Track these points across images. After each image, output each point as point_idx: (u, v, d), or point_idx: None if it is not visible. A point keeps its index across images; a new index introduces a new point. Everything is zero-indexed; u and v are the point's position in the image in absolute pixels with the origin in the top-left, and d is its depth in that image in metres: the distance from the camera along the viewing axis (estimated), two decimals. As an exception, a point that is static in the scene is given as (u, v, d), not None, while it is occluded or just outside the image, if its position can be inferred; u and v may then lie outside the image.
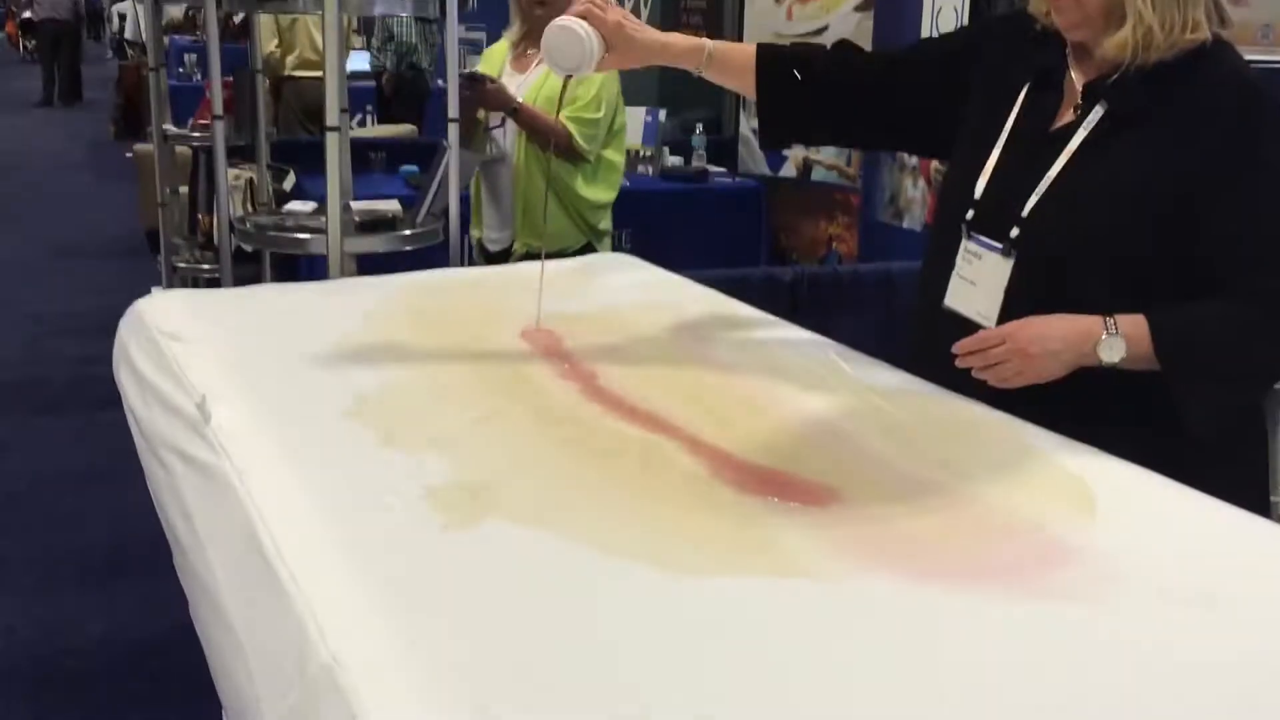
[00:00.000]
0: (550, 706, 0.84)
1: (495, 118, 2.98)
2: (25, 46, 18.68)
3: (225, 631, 1.04)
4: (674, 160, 4.90)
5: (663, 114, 4.88)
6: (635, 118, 4.96)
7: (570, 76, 1.63)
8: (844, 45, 1.80)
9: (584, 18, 1.56)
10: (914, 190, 4.24)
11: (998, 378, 1.43)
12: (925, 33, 4.03)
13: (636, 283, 2.10)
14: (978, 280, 1.55)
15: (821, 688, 0.87)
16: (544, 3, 3.01)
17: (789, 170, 4.92)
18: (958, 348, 1.45)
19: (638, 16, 6.44)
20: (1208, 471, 1.37)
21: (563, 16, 1.57)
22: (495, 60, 3.17)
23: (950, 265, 1.60)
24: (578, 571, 1.03)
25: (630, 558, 1.05)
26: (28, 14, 14.70)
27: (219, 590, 1.09)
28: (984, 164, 1.58)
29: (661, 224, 4.62)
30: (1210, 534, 1.15)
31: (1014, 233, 1.51)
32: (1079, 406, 1.43)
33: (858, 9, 4.55)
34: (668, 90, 5.80)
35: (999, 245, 1.52)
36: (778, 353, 1.68)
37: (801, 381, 1.55)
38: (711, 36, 1.74)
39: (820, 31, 4.71)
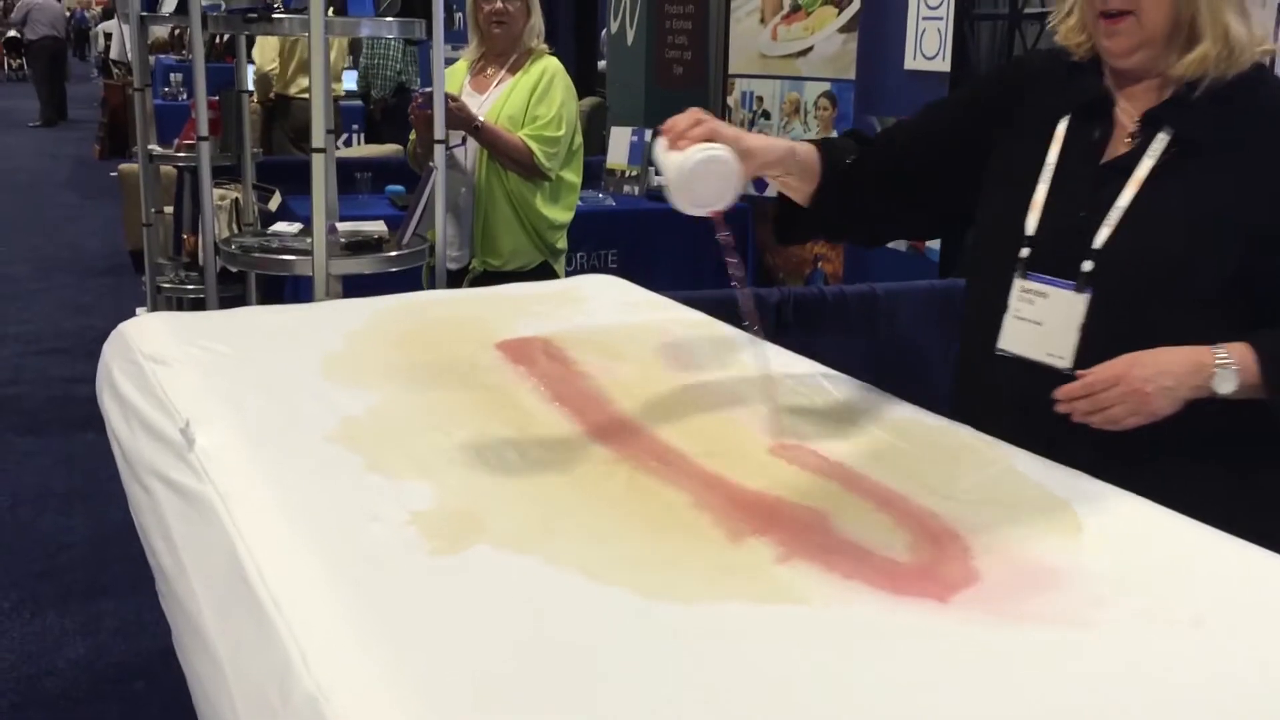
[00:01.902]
0: (537, 735, 0.84)
1: (456, 136, 2.99)
2: (11, 65, 18.63)
3: (208, 659, 1.03)
4: (659, 180, 4.92)
5: (648, 134, 4.90)
6: (621, 137, 4.98)
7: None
8: (862, 140, 1.75)
9: (709, 139, 1.37)
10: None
11: (1108, 420, 1.38)
12: (909, 54, 4.06)
13: (622, 304, 2.10)
14: (1044, 320, 1.48)
15: (808, 712, 0.87)
16: (502, 22, 3.03)
17: (775, 190, 4.94)
18: (1060, 393, 1.40)
19: (625, 39, 6.45)
20: None
21: (701, 148, 1.35)
22: (455, 79, 3.18)
23: (1000, 308, 1.53)
24: (564, 597, 1.02)
25: (617, 583, 1.04)
26: (13, 33, 14.65)
27: (201, 617, 1.08)
28: (1029, 201, 1.53)
29: (647, 244, 4.63)
30: (1196, 556, 1.15)
31: (1087, 267, 1.45)
32: (1186, 441, 1.40)
33: (841, 30, 4.58)
34: (653, 110, 5.83)
35: (1070, 282, 1.46)
36: (762, 375, 1.68)
37: (787, 404, 1.55)
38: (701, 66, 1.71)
39: (805, 52, 4.74)
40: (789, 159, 1.60)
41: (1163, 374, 1.36)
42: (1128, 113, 1.50)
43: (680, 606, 1.01)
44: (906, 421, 1.50)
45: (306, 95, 6.10)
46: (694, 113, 1.42)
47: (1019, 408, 1.49)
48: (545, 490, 1.25)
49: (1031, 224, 1.52)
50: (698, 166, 1.34)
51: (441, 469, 1.30)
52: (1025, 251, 1.51)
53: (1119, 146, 1.49)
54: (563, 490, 1.25)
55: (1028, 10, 3.68)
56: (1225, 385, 1.37)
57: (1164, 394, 1.36)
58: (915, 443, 1.43)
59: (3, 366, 4.81)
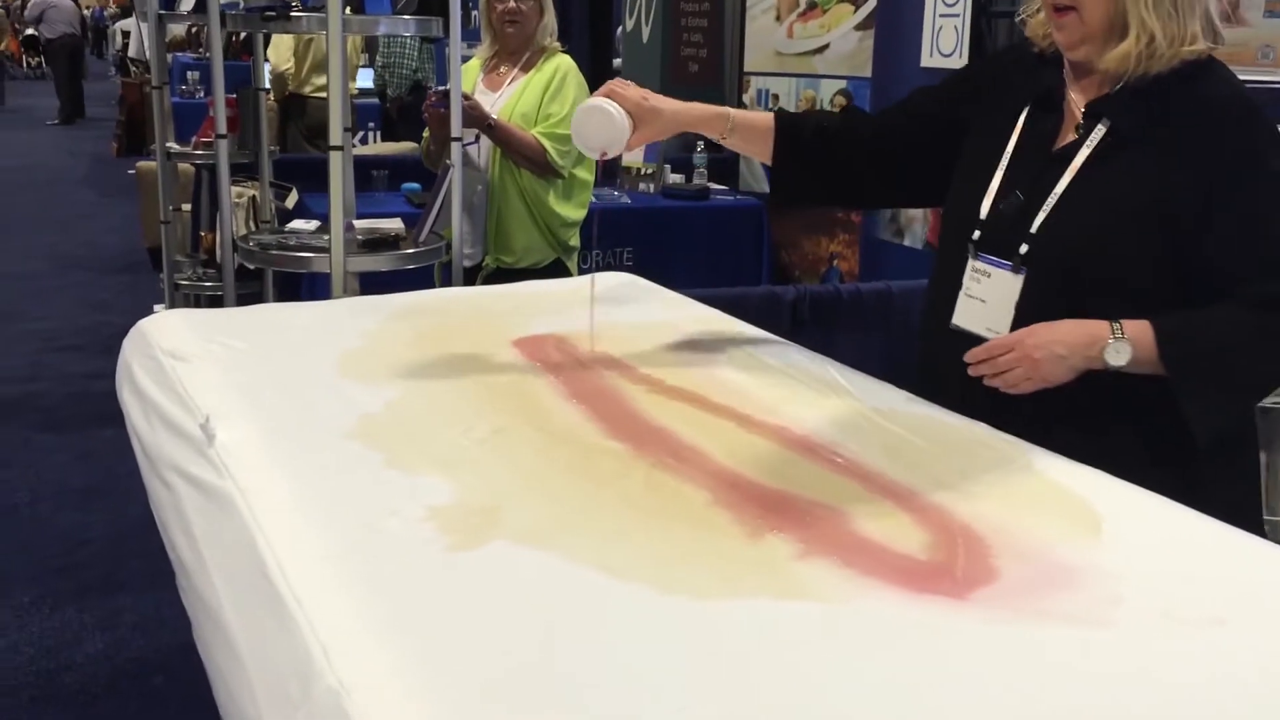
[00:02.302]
0: (555, 729, 0.84)
1: (469, 134, 2.99)
2: (29, 64, 18.73)
3: (229, 653, 1.04)
4: (675, 178, 4.92)
5: (664, 132, 4.90)
6: (637, 136, 4.97)
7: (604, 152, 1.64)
8: (852, 112, 1.87)
9: (608, 97, 1.61)
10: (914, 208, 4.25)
11: (1006, 384, 1.48)
12: (926, 52, 4.04)
13: (639, 301, 2.11)
14: (987, 298, 1.58)
15: (824, 709, 0.87)
16: (515, 21, 3.03)
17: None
18: (969, 356, 1.52)
19: (640, 37, 6.46)
20: (1206, 482, 1.42)
21: (589, 99, 1.62)
22: (468, 78, 3.18)
23: (957, 286, 1.63)
24: (584, 593, 1.03)
25: (634, 579, 1.05)
26: (31, 31, 14.73)
27: (222, 611, 1.09)
28: (987, 186, 1.62)
29: (663, 241, 4.63)
30: (1216, 556, 1.14)
31: (1024, 249, 1.54)
32: (1083, 412, 1.49)
33: (858, 28, 4.57)
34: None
35: (1008, 263, 1.56)
36: (780, 372, 1.69)
37: (804, 401, 1.55)
38: (717, 63, 1.79)
39: (821, 50, 4.73)
40: (717, 122, 1.73)
41: (1054, 343, 1.45)
42: (1077, 104, 1.58)
43: (697, 602, 1.01)
44: (923, 419, 1.50)
45: (321, 94, 6.14)
46: (614, 81, 1.66)
47: (966, 380, 1.55)
48: (563, 486, 1.26)
49: (985, 208, 1.61)
50: (581, 112, 1.61)
51: (459, 465, 1.30)
52: (977, 234, 1.61)
53: (1067, 136, 1.57)
54: (580, 486, 1.26)
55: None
56: (1117, 358, 1.44)
57: (1056, 361, 1.45)
58: (932, 440, 1.43)
59: (21, 363, 4.84)
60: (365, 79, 7.18)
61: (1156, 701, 0.89)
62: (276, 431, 1.40)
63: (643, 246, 4.57)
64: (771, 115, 1.80)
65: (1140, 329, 1.44)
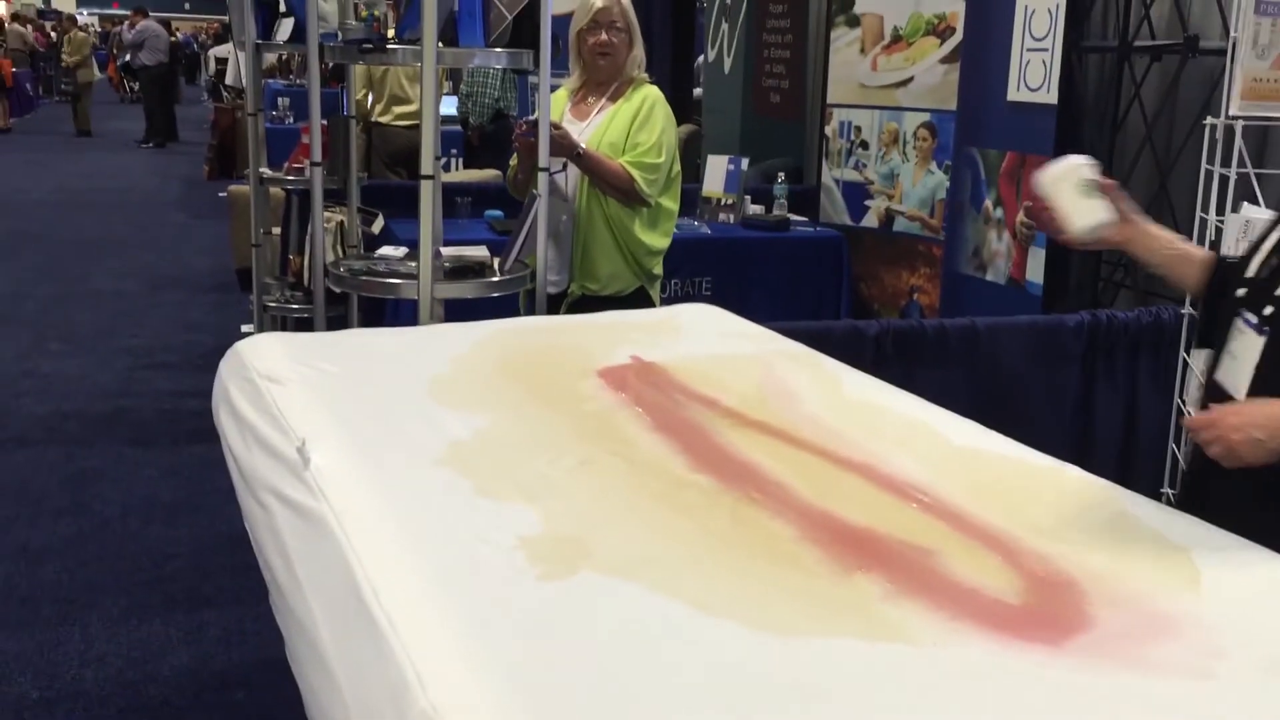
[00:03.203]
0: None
1: (557, 163, 3.02)
2: (129, 88, 19.34)
3: (323, 673, 1.06)
4: (755, 209, 4.92)
5: (745, 162, 4.90)
6: (717, 165, 5.00)
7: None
8: None
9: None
10: (998, 243, 4.21)
11: (1215, 456, 1.44)
12: (1013, 85, 4.01)
13: (721, 333, 2.11)
14: (1238, 355, 1.57)
15: (919, 757, 0.86)
16: (607, 54, 3.06)
17: (871, 220, 4.91)
18: (1186, 423, 1.54)
19: (721, 67, 6.45)
20: None
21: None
22: (556, 108, 3.22)
23: (1224, 340, 1.61)
24: (672, 626, 1.03)
25: (722, 614, 1.05)
26: (127, 58, 15.25)
27: (317, 632, 1.11)
28: (1261, 244, 1.61)
29: (742, 272, 4.62)
30: (1318, 610, 1.11)
31: (1267, 310, 1.52)
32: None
33: (943, 61, 4.55)
34: (749, 138, 5.83)
35: (1254, 321, 1.54)
36: (864, 408, 1.68)
37: (890, 439, 1.54)
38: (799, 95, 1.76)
39: (905, 83, 4.71)
40: (1174, 264, 1.71)
41: (1253, 425, 1.41)
42: None
43: (784, 640, 1.01)
44: (1012, 460, 1.48)
45: (399, 122, 6.25)
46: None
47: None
48: (650, 519, 1.26)
49: (1253, 266, 1.60)
50: (1059, 166, 1.62)
51: (547, 494, 1.31)
52: (1242, 291, 1.59)
53: None
54: (667, 519, 1.26)
55: (1138, 43, 3.61)
56: None
57: (1253, 445, 1.41)
58: (1024, 481, 1.41)
59: (115, 379, 4.98)
60: (448, 106, 7.30)
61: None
62: (369, 456, 1.43)
63: (721, 276, 4.58)
64: (1210, 257, 1.75)
65: None
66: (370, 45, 2.46)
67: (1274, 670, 0.98)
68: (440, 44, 2.52)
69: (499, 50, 2.67)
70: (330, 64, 2.94)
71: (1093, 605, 1.09)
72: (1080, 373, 2.77)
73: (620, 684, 0.94)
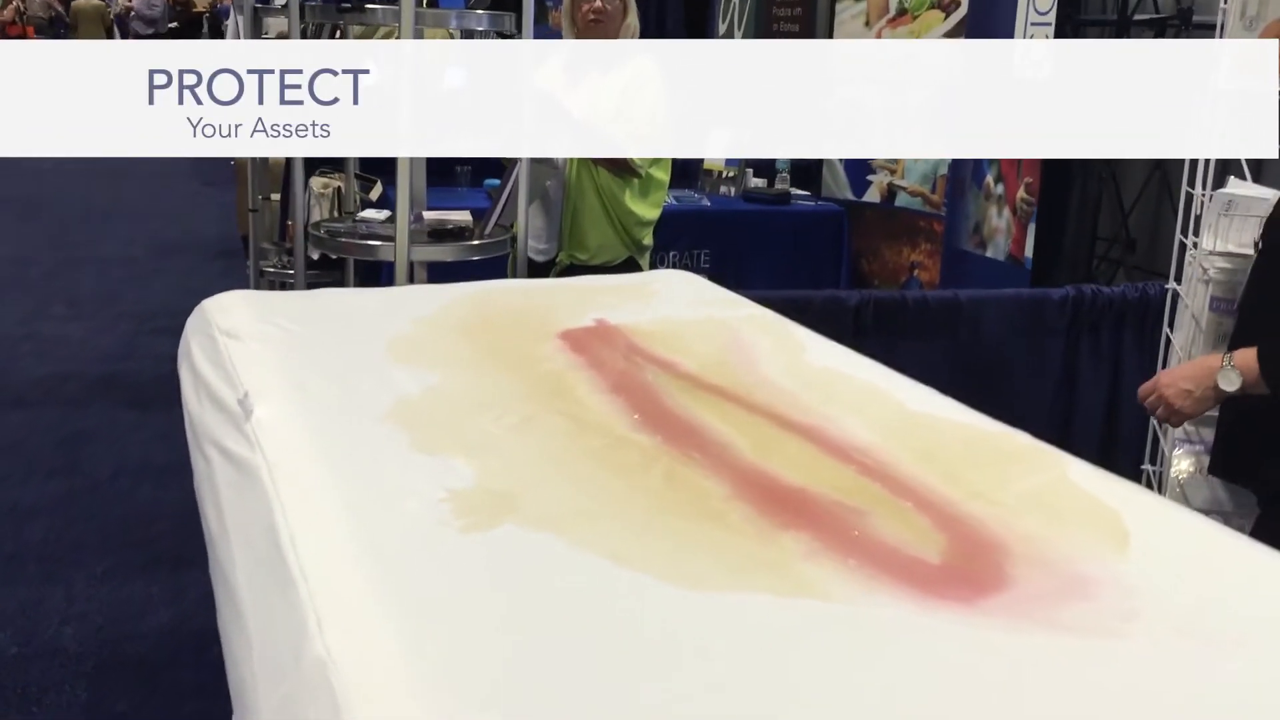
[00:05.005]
0: (541, 712, 0.84)
1: None
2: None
3: (237, 622, 1.06)
4: (757, 182, 4.89)
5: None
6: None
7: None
8: None
9: None
10: (998, 219, 4.17)
11: (1162, 420, 1.66)
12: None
13: (694, 300, 2.10)
14: None
15: (810, 708, 0.85)
16: (599, 20, 3.04)
17: (873, 195, 4.88)
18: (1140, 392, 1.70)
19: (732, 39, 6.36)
20: None
21: None
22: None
23: None
24: (587, 579, 1.03)
25: (641, 569, 1.04)
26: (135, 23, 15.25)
27: (236, 579, 1.11)
28: None
29: (742, 245, 4.60)
30: (1249, 578, 1.10)
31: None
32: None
33: (948, 35, 4.50)
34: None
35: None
36: (824, 374, 1.66)
37: (844, 404, 1.53)
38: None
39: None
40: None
41: (1178, 379, 1.60)
42: None
43: (700, 595, 1.00)
44: (963, 426, 1.47)
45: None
46: None
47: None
48: (584, 476, 1.26)
49: None
50: None
51: (485, 451, 1.31)
52: None
53: None
54: (601, 477, 1.26)
55: (1138, 17, 3.56)
56: (1229, 384, 1.57)
57: (1183, 396, 1.59)
58: (969, 447, 1.39)
59: (116, 343, 5.00)
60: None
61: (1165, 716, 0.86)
62: (314, 410, 1.43)
63: (721, 249, 4.55)
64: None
65: (1245, 354, 1.56)
66: (349, 5, 2.45)
67: (1185, 632, 0.97)
68: (420, 5, 2.51)
69: (480, 13, 2.65)
70: (328, 31, 2.93)
71: (1015, 566, 1.08)
72: (1064, 347, 2.74)
73: (523, 634, 0.93)
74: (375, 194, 4.14)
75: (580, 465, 1.29)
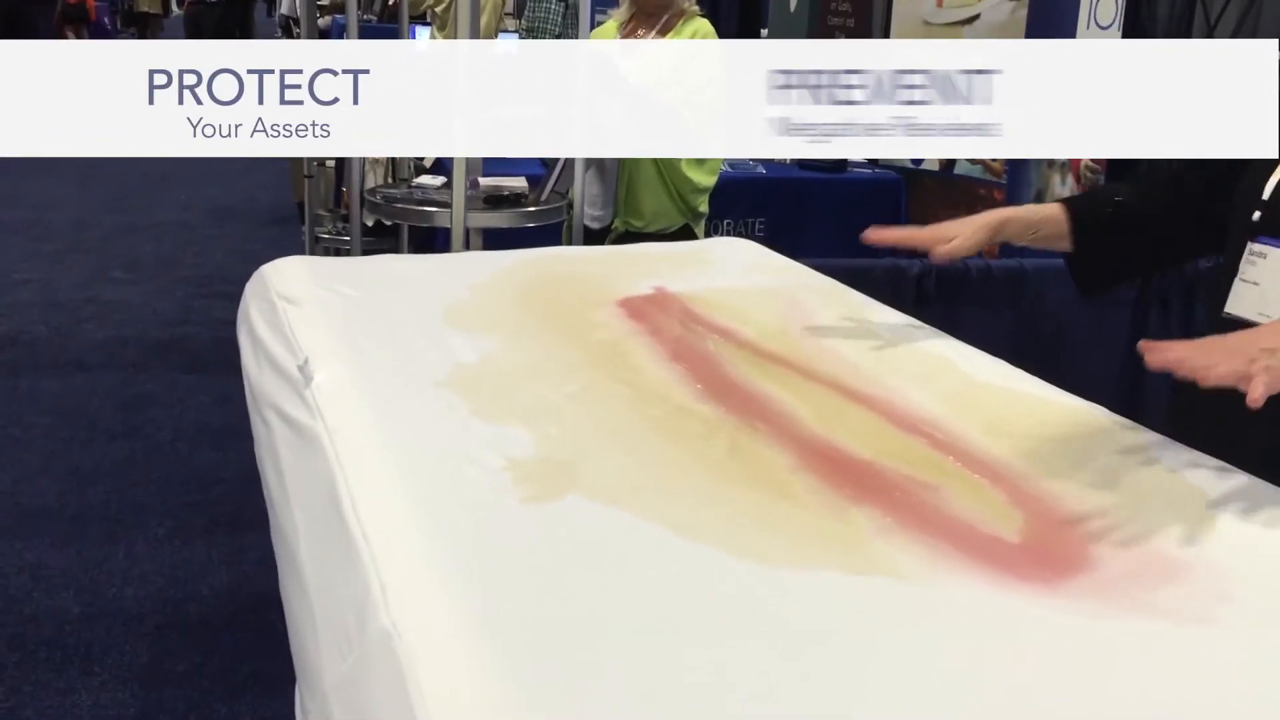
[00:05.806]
0: (605, 685, 0.82)
1: None
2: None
3: (299, 589, 1.05)
4: (813, 149, 4.81)
5: (805, 101, 4.80)
6: (776, 105, 4.88)
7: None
8: (1146, 182, 1.76)
9: None
10: (1062, 187, 4.07)
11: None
12: (1082, 24, 3.85)
13: (751, 267, 2.06)
14: (1262, 281, 1.47)
15: (893, 690, 0.83)
16: None
17: (931, 164, 4.79)
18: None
19: (787, 5, 6.28)
20: None
21: None
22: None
23: (1232, 273, 1.51)
24: (649, 552, 1.00)
25: (704, 541, 1.02)
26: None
27: (298, 546, 1.10)
28: (1275, 168, 1.50)
29: (798, 213, 4.54)
30: (1341, 560, 1.05)
31: None
32: None
33: (1005, 24, 4.39)
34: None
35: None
36: (889, 344, 1.63)
37: (909, 374, 1.49)
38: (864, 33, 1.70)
39: (971, 20, 4.55)
40: (1031, 230, 1.71)
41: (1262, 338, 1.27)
42: None
43: (767, 569, 0.98)
44: (1034, 399, 1.42)
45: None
46: None
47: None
48: (645, 446, 1.23)
49: (1269, 189, 1.49)
50: None
51: (544, 419, 1.29)
52: (1257, 215, 1.49)
53: None
54: (662, 447, 1.23)
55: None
56: None
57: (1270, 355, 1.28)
58: (1043, 420, 1.35)
59: (175, 308, 5.06)
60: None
61: (1252, 703, 0.82)
62: (373, 377, 1.41)
63: (776, 217, 4.50)
64: (1058, 208, 1.71)
65: None
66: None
67: (1276, 619, 0.93)
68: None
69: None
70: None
71: (1097, 546, 1.04)
72: (1131, 319, 2.67)
73: (588, 606, 0.91)
74: (430, 160, 4.14)
75: (641, 435, 1.26)
